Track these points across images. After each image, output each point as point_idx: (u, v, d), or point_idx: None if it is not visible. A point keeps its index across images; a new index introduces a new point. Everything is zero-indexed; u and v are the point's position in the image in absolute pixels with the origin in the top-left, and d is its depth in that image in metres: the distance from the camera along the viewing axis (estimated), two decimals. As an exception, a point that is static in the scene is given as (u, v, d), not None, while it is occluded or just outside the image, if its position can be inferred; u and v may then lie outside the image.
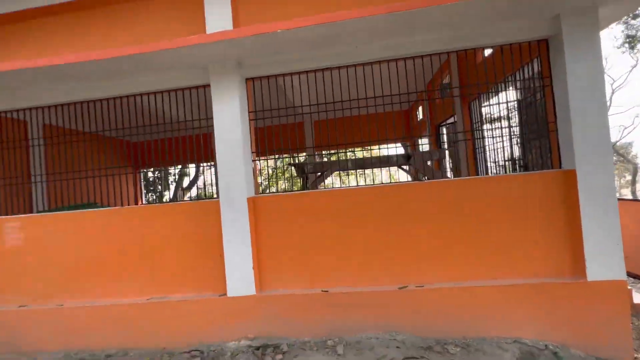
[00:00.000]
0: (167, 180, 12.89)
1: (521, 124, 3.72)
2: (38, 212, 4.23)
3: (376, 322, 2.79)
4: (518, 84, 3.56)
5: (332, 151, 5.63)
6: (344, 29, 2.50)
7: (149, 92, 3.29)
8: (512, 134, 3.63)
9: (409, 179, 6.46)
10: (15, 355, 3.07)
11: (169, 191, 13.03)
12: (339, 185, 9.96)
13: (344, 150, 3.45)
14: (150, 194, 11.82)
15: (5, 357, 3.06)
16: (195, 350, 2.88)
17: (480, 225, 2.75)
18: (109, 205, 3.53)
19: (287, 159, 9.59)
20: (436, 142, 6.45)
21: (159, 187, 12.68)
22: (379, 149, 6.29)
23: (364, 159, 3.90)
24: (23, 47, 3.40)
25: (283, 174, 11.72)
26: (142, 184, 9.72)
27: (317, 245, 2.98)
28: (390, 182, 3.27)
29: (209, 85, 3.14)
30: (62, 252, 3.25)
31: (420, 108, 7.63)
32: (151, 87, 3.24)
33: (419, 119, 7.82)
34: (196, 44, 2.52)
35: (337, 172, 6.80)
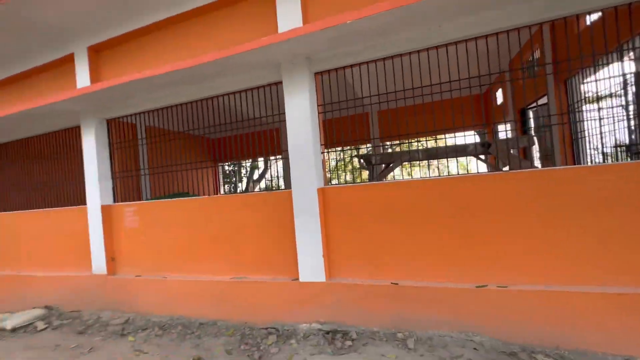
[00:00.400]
0: (240, 173, 14.08)
1: (639, 102, 3.05)
2: (146, 199, 5.07)
3: (449, 319, 2.66)
4: (636, 53, 2.91)
5: (398, 142, 5.44)
6: (420, 9, 2.37)
7: (227, 92, 3.62)
8: (625, 114, 3.01)
9: (485, 169, 5.87)
10: (135, 314, 3.78)
11: (241, 183, 14.27)
12: (407, 177, 9.59)
13: (411, 140, 3.31)
14: (226, 186, 13.11)
15: (128, 314, 3.80)
16: (272, 328, 3.15)
17: (581, 221, 2.37)
18: (196, 195, 4.05)
19: (352, 151, 9.58)
20: (521, 127, 5.71)
21: (234, 179, 13.98)
22: (452, 137, 5.88)
23: (436, 149, 3.68)
24: (131, 63, 4.06)
25: (347, 165, 11.78)
26: (220, 176, 10.85)
27: (386, 237, 2.95)
28: (466, 173, 3.03)
29: (280, 83, 3.32)
30: (165, 233, 3.85)
31: (499, 91, 6.82)
32: (228, 89, 3.56)
33: (498, 103, 7.00)
34: (271, 43, 2.68)
35: (406, 163, 6.55)
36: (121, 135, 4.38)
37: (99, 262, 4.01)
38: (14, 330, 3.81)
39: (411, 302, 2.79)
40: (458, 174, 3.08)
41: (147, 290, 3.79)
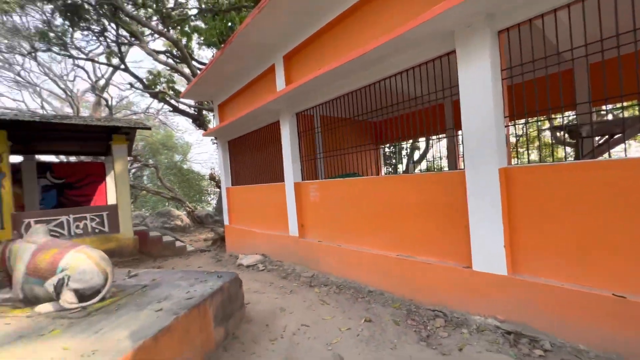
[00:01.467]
0: (400, 154, 14.06)
1: None
2: (321, 179, 5.98)
3: None
4: None
5: (621, 105, 3.83)
6: None
7: (391, 75, 3.65)
8: None
9: None
10: (318, 272, 4.65)
11: (401, 164, 14.25)
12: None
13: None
14: (385, 167, 13.47)
15: (313, 270, 4.72)
16: (439, 311, 3.08)
17: None
18: (362, 175, 4.38)
19: (543, 122, 7.57)
20: None
21: (393, 160, 14.16)
22: None
23: None
24: (313, 63, 4.78)
25: (533, 141, 9.45)
26: (382, 158, 11.26)
27: (599, 234, 2.22)
28: None
29: (449, 54, 3.03)
30: (338, 207, 4.45)
31: None
32: (393, 70, 3.57)
33: None
34: (447, 9, 2.47)
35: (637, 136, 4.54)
36: (305, 125, 5.30)
37: (293, 226, 5.15)
38: (247, 266, 5.53)
39: (649, 326, 2.00)
40: None
41: (326, 255, 4.55)
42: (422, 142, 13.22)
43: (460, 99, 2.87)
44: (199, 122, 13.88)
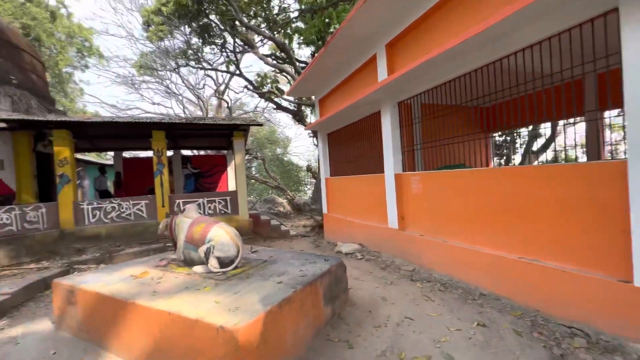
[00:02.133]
0: (514, 143, 12.08)
1: None
2: (419, 170, 5.67)
3: None
4: None
5: None
6: None
7: (515, 51, 3.13)
8: None
9: None
10: (418, 266, 4.48)
11: (515, 155, 12.21)
12: None
13: None
14: (495, 158, 11.77)
15: (413, 264, 4.57)
16: (578, 330, 2.57)
17: None
18: (469, 167, 3.94)
19: None
20: None
21: (505, 150, 12.23)
22: None
23: None
24: (416, 49, 4.52)
25: None
26: (491, 148, 9.88)
27: None
28: None
29: (601, 16, 2.40)
30: (444, 201, 4.15)
31: None
32: (519, 45, 3.06)
33: None
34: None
35: None
36: (406, 115, 5.10)
37: (392, 218, 5.07)
38: (346, 254, 5.76)
39: None
40: None
41: (428, 250, 4.33)
42: (544, 129, 10.99)
43: (624, 70, 2.26)
44: (298, 117, 14.96)
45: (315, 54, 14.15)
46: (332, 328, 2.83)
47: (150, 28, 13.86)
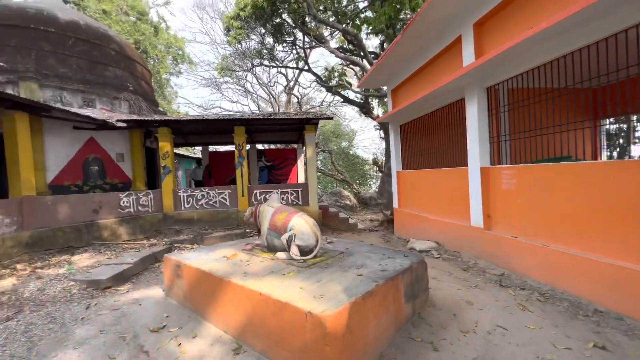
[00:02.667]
0: (632, 131, 9.84)
1: None
2: (505, 164, 5.00)
3: None
4: None
5: None
6: None
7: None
8: None
9: None
10: (509, 271, 4.00)
11: (632, 146, 9.91)
12: None
13: None
14: (606, 150, 9.75)
15: (502, 268, 4.10)
16: None
17: None
18: (577, 160, 3.30)
19: None
20: None
21: (617, 141, 10.03)
22: None
23: None
24: (511, 27, 3.96)
25: None
26: (602, 137, 8.19)
27: None
28: None
29: None
30: (545, 199, 3.60)
31: None
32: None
33: None
34: None
35: None
36: (495, 102, 4.54)
37: (476, 216, 4.62)
38: (420, 251, 5.48)
39: None
40: None
41: (523, 253, 3.83)
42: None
43: None
44: (365, 109, 14.71)
45: (385, 43, 13.70)
46: (413, 327, 2.72)
47: (230, 33, 15.12)
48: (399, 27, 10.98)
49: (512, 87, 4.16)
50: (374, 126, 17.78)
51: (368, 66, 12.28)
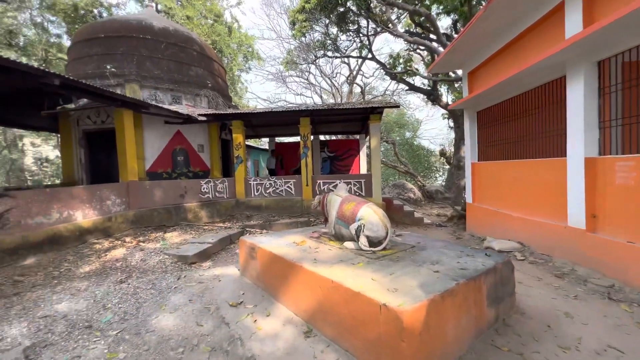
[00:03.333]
0: None
1: None
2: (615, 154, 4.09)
3: None
4: None
5: None
6: None
7: None
8: None
9: None
10: (621, 282, 3.32)
11: None
12: None
13: None
14: None
15: (611, 279, 3.42)
16: None
17: None
18: None
19: None
20: None
21: None
22: None
23: None
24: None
25: None
26: None
27: None
28: None
29: None
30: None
31: None
32: None
33: None
34: None
35: None
36: (605, 79, 3.74)
37: (577, 216, 3.92)
38: (499, 251, 4.92)
39: None
40: None
41: (642, 263, 3.13)
42: None
43: None
44: (433, 96, 13.68)
45: (458, 23, 12.42)
46: (497, 334, 2.45)
47: (295, 26, 15.45)
48: (474, 2, 9.84)
49: (627, 61, 3.36)
50: (442, 115, 16.45)
51: (441, 49, 11.35)
